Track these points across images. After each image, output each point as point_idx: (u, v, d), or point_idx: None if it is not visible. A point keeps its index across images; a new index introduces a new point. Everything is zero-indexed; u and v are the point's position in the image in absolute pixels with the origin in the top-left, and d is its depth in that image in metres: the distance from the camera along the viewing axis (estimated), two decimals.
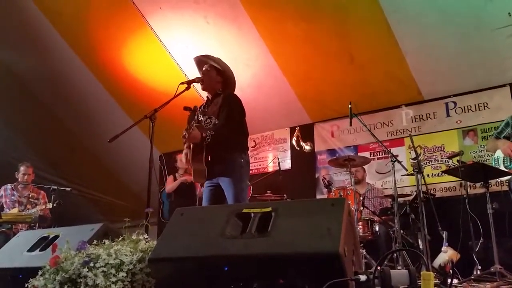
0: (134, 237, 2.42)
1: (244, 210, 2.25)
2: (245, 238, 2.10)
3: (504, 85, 5.39)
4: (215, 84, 3.78)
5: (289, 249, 1.99)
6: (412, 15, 5.09)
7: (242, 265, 2.07)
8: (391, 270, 1.85)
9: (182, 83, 3.64)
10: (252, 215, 2.20)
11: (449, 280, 2.90)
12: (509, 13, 4.78)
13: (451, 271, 2.78)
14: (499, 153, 4.16)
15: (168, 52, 6.42)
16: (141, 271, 2.22)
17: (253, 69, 6.25)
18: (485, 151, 5.12)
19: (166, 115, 6.42)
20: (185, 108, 3.60)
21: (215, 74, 3.79)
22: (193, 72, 5.94)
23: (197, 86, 6.26)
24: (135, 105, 6.73)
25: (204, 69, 3.75)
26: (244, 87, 6.54)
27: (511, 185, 3.88)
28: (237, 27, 5.83)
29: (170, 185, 6.56)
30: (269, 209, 2.21)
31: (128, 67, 6.73)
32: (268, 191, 5.74)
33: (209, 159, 3.39)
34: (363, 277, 1.85)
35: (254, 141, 7.35)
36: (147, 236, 2.48)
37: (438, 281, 2.88)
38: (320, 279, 1.87)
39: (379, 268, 1.86)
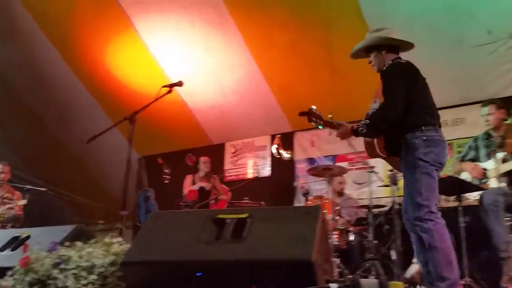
0: (107, 239, 2.41)
1: (220, 216, 2.26)
2: (219, 244, 2.12)
3: (482, 101, 5.51)
4: (379, 66, 3.13)
5: (263, 256, 2.01)
6: (395, 29, 5.19)
7: (216, 271, 2.08)
8: (361, 280, 1.88)
9: (164, 86, 3.64)
10: (228, 221, 2.22)
11: None
12: (488, 31, 4.93)
13: (418, 282, 2.84)
14: (466, 175, 4.26)
15: (152, 55, 6.40)
16: (112, 274, 2.21)
17: (236, 75, 6.29)
18: None
19: (148, 118, 6.43)
20: (301, 114, 3.24)
21: (374, 59, 3.15)
22: (177, 76, 5.98)
23: (180, 89, 6.34)
24: (116, 106, 6.68)
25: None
26: (227, 92, 6.59)
27: (483, 200, 3.96)
28: (223, 33, 5.86)
29: (188, 188, 6.16)
30: (245, 215, 2.23)
31: (111, 68, 6.70)
32: (246, 198, 5.74)
33: None
34: (334, 286, 1.88)
35: (234, 147, 7.37)
36: (121, 239, 2.47)
37: None
38: (293, 286, 1.89)
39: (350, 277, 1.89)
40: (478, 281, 3.86)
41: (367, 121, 2.92)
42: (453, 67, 5.30)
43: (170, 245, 2.15)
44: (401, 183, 5.20)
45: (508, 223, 3.83)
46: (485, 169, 4.14)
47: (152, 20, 6.00)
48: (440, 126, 2.89)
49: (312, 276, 1.92)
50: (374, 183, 4.95)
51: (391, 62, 3.03)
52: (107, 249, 2.33)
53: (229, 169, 7.34)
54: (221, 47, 5.98)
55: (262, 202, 5.75)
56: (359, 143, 5.95)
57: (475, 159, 4.27)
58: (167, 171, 6.75)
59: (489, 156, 4.17)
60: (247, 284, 2.02)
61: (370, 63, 3.19)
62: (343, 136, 3.08)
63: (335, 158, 6.45)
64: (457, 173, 4.42)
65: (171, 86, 3.64)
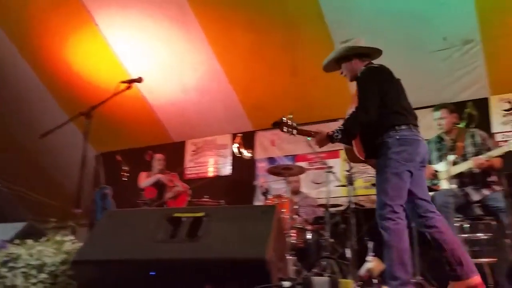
0: (58, 238, 2.35)
1: (176, 215, 2.25)
2: (174, 243, 2.11)
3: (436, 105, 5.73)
4: (351, 75, 3.21)
5: (218, 255, 2.02)
6: (355, 34, 5.29)
7: (170, 270, 2.07)
8: (313, 278, 1.92)
9: (123, 82, 3.57)
10: (184, 219, 2.22)
11: None
12: (444, 37, 5.12)
13: (373, 280, 2.93)
14: None
15: (112, 50, 6.28)
16: (63, 273, 2.16)
17: (198, 73, 6.26)
18: None
19: (107, 114, 6.32)
20: (274, 124, 3.24)
21: (345, 70, 3.24)
22: (137, 71, 5.89)
23: (140, 85, 6.25)
24: (73, 101, 6.51)
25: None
26: (188, 90, 6.55)
27: (434, 201, 4.11)
28: (185, 31, 5.82)
29: (145, 180, 6.17)
30: (201, 214, 2.23)
31: (70, 63, 6.52)
32: (206, 196, 5.72)
33: None
34: (286, 284, 1.91)
35: (195, 145, 7.33)
36: (73, 238, 2.41)
37: None
38: (247, 285, 1.90)
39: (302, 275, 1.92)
40: (429, 279, 3.99)
41: (341, 126, 2.98)
42: (409, 72, 5.42)
43: (124, 244, 2.12)
44: (357, 183, 5.38)
45: (458, 224, 3.99)
46: (436, 171, 4.31)
47: (113, 15, 5.88)
48: (416, 126, 2.97)
49: (267, 274, 1.95)
50: (332, 183, 5.05)
51: (363, 67, 3.11)
52: (59, 248, 2.27)
53: (190, 167, 7.29)
54: (183, 44, 5.93)
55: (222, 201, 5.75)
56: None
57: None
58: (125, 168, 6.64)
59: (440, 158, 4.33)
60: (201, 283, 2.03)
61: (341, 74, 3.26)
62: (320, 143, 3.15)
63: (294, 157, 6.53)
64: None
65: (130, 82, 3.58)
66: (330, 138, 3.04)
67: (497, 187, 4.12)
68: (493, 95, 5.46)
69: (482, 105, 5.43)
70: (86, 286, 2.13)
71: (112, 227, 2.27)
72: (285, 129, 3.17)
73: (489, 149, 4.18)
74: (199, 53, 5.98)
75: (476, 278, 2.72)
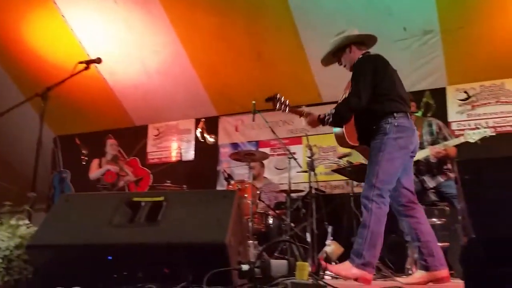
0: (13, 222, 2.28)
1: (135, 199, 2.22)
2: (132, 227, 2.08)
3: None
4: (350, 64, 3.22)
5: (177, 239, 2.01)
6: (319, 21, 5.35)
7: (128, 254, 2.04)
8: (271, 260, 1.95)
9: (81, 62, 3.47)
10: (143, 204, 2.19)
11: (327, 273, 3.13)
12: (404, 27, 5.23)
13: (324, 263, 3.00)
14: None
15: (71, 29, 6.07)
16: (18, 258, 2.10)
17: (161, 55, 6.15)
18: None
19: (65, 95, 6.13)
20: (267, 99, 3.29)
21: (344, 61, 3.26)
22: (97, 52, 5.73)
23: (100, 67, 6.09)
24: (30, 81, 6.29)
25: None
26: (150, 72, 6.43)
27: None
28: (147, 12, 5.69)
29: (94, 172, 5.95)
30: (161, 198, 2.21)
31: (26, 41, 6.28)
32: (168, 181, 5.68)
33: None
34: (245, 267, 1.93)
35: (157, 129, 7.23)
36: (29, 222, 2.35)
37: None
38: (206, 269, 1.90)
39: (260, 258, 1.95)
40: (385, 262, 4.14)
41: (333, 110, 3.01)
42: None
43: (80, 228, 2.08)
44: (318, 169, 5.47)
45: None
46: None
47: None
48: (411, 114, 3.04)
49: (226, 258, 1.95)
50: (294, 169, 5.11)
51: (361, 56, 3.16)
52: (13, 232, 2.20)
53: (152, 152, 7.20)
54: (144, 25, 5.81)
55: (184, 186, 5.73)
56: (281, 130, 6.19)
57: None
58: (85, 152, 6.50)
59: None
60: (160, 267, 2.02)
61: (340, 65, 3.29)
62: (312, 124, 3.17)
63: (258, 143, 6.55)
64: None
65: (89, 62, 3.47)
66: (321, 120, 3.07)
67: (451, 175, 4.30)
68: (450, 85, 5.64)
69: (439, 94, 5.62)
70: (42, 270, 2.08)
71: (68, 211, 2.22)
72: (278, 105, 3.18)
73: (445, 138, 4.33)
74: (161, 35, 5.87)
75: (444, 272, 2.83)
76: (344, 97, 3.10)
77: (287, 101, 3.23)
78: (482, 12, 4.94)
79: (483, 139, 4.04)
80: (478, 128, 4.12)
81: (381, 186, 2.81)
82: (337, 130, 3.19)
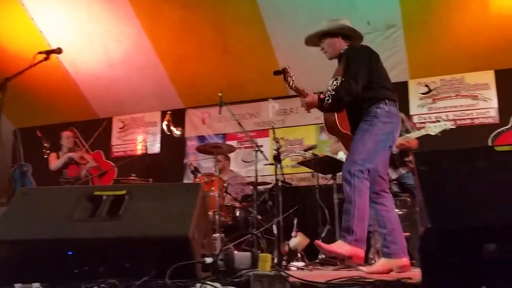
0: None
1: (96, 193, 2.18)
2: (93, 222, 2.04)
3: None
4: (332, 52, 3.28)
5: (138, 233, 1.98)
6: (285, 14, 5.37)
7: (89, 249, 2.01)
8: (235, 253, 1.95)
9: (40, 52, 3.34)
10: (104, 198, 2.15)
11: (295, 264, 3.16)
12: (368, 22, 5.30)
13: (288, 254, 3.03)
14: (341, 154, 4.61)
15: (31, 18, 5.86)
16: None
17: (124, 46, 6.03)
18: None
19: (26, 87, 5.93)
20: (276, 72, 3.07)
21: (327, 46, 3.28)
22: (58, 42, 5.55)
23: (62, 57, 5.91)
24: None
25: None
26: (114, 63, 6.29)
27: None
28: (110, 1, 5.55)
29: (55, 162, 5.91)
30: (123, 192, 2.17)
31: None
32: (133, 175, 5.60)
33: None
34: (208, 260, 1.93)
35: (122, 122, 7.11)
36: None
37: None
38: (169, 263, 1.89)
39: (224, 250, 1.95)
40: None
41: (332, 92, 2.98)
42: None
43: (40, 223, 2.02)
44: (285, 162, 5.51)
45: None
46: None
47: None
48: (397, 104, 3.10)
49: (189, 251, 1.95)
50: (261, 162, 5.13)
51: (346, 47, 3.19)
52: None
53: (117, 145, 7.07)
54: (107, 15, 5.67)
55: (150, 180, 5.66)
56: (247, 123, 6.20)
57: None
58: (46, 145, 6.32)
59: None
60: (122, 262, 1.99)
61: (322, 50, 3.28)
62: (310, 105, 3.09)
63: (225, 136, 6.54)
64: (335, 152, 4.75)
65: (49, 52, 3.35)
66: (321, 101, 3.02)
67: (412, 166, 4.41)
68: (412, 79, 5.78)
69: (401, 88, 5.74)
70: (0, 266, 2.01)
71: (27, 205, 2.15)
72: (287, 78, 3.10)
73: (407, 131, 4.44)
74: (125, 25, 5.74)
75: (405, 260, 2.88)
76: (335, 83, 3.12)
77: (293, 77, 3.08)
78: (444, 8, 5.07)
79: (444, 132, 4.17)
80: (439, 121, 4.25)
81: (363, 163, 2.85)
82: (329, 115, 3.14)
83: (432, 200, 1.59)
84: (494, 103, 5.49)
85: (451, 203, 1.59)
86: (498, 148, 1.77)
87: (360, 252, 2.79)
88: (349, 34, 3.28)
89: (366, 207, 2.85)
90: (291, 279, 1.70)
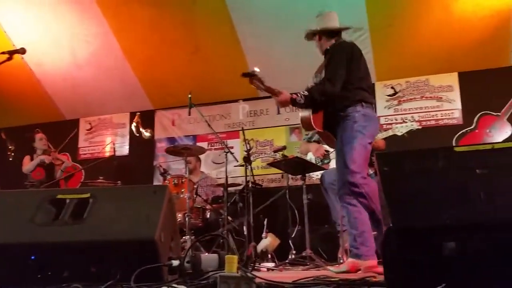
0: None
1: (59, 196, 2.13)
2: (57, 225, 2.00)
3: None
4: (321, 49, 3.37)
5: (104, 236, 1.96)
6: (254, 16, 5.39)
7: (52, 254, 1.96)
8: (202, 255, 1.95)
9: (3, 53, 3.25)
10: (68, 201, 2.11)
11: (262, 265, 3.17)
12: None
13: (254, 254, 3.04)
14: (310, 155, 4.66)
15: None
16: None
17: (92, 46, 5.93)
18: None
19: None
20: (244, 75, 3.09)
21: (316, 43, 3.39)
22: (23, 42, 5.40)
23: (27, 57, 5.76)
24: None
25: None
26: (81, 64, 6.17)
27: (323, 179, 4.39)
28: (76, 2, 5.45)
29: (27, 165, 5.81)
30: (87, 195, 2.14)
31: None
32: (101, 177, 5.50)
33: None
34: (175, 262, 1.92)
35: (90, 123, 6.98)
36: None
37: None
38: (135, 265, 1.87)
39: (190, 253, 1.94)
40: (318, 252, 4.26)
41: (306, 92, 3.00)
42: (300, 56, 5.64)
43: (1, 227, 1.97)
44: (255, 163, 5.53)
45: None
46: (327, 151, 4.57)
47: None
48: (374, 105, 3.15)
49: (155, 254, 1.93)
50: (231, 163, 5.12)
51: (334, 42, 3.22)
52: None
53: (84, 147, 6.94)
54: (73, 15, 5.57)
55: (118, 182, 5.57)
56: (218, 124, 6.19)
57: (319, 141, 4.66)
58: (11, 147, 6.14)
59: None
60: (87, 266, 1.96)
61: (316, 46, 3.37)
62: (283, 103, 3.13)
63: (195, 138, 6.51)
64: (304, 153, 4.80)
65: (12, 52, 3.25)
66: (292, 101, 3.04)
67: None
68: (378, 81, 5.88)
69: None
70: None
71: None
72: (255, 82, 3.10)
73: None
74: (92, 25, 5.65)
75: (374, 262, 2.93)
76: (315, 80, 3.16)
77: (264, 78, 3.13)
78: (409, 12, 5.19)
79: (410, 132, 4.26)
80: (405, 122, 4.34)
81: (361, 170, 2.90)
82: (304, 113, 3.17)
83: (393, 199, 1.63)
84: (458, 104, 5.65)
85: (412, 203, 1.63)
86: (457, 149, 1.83)
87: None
88: (336, 32, 3.32)
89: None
90: (257, 280, 1.70)
